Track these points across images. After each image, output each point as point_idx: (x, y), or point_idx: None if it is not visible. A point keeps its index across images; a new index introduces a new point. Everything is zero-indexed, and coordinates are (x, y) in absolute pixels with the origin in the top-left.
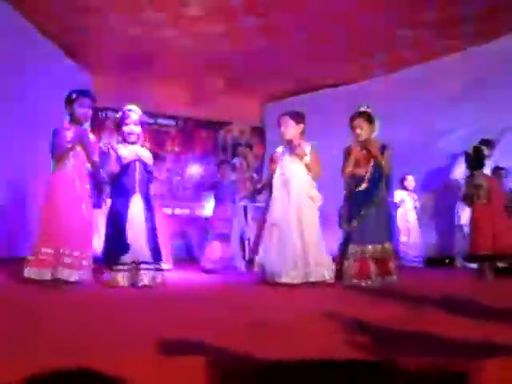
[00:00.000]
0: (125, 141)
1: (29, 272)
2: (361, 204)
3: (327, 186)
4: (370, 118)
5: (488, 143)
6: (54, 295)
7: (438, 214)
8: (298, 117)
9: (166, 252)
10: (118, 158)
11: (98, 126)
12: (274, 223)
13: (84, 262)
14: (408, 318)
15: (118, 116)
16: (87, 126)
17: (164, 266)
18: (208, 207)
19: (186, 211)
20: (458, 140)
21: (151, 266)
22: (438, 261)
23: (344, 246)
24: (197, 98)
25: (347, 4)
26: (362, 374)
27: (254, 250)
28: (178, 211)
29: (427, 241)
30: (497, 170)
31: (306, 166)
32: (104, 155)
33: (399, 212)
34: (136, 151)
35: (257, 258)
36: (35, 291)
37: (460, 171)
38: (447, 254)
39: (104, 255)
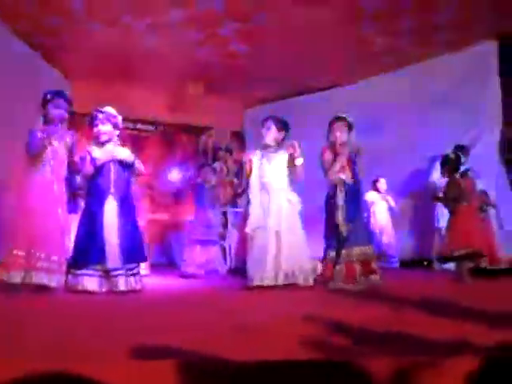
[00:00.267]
0: (98, 142)
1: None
2: (348, 207)
3: (303, 189)
4: (349, 125)
5: (462, 149)
6: (24, 301)
7: (418, 216)
8: (282, 124)
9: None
10: (93, 159)
11: (75, 132)
12: (253, 228)
13: (63, 267)
14: (388, 320)
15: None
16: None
17: (142, 271)
18: (188, 211)
19: (166, 216)
20: (437, 143)
21: (122, 272)
22: (416, 263)
23: (337, 249)
24: (177, 102)
25: (330, 12)
26: (337, 375)
27: (238, 259)
28: (157, 216)
29: (406, 243)
30: (465, 171)
31: (295, 167)
32: (82, 160)
33: (371, 212)
34: (111, 152)
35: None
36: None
37: (437, 175)
38: (426, 256)
39: (72, 257)
